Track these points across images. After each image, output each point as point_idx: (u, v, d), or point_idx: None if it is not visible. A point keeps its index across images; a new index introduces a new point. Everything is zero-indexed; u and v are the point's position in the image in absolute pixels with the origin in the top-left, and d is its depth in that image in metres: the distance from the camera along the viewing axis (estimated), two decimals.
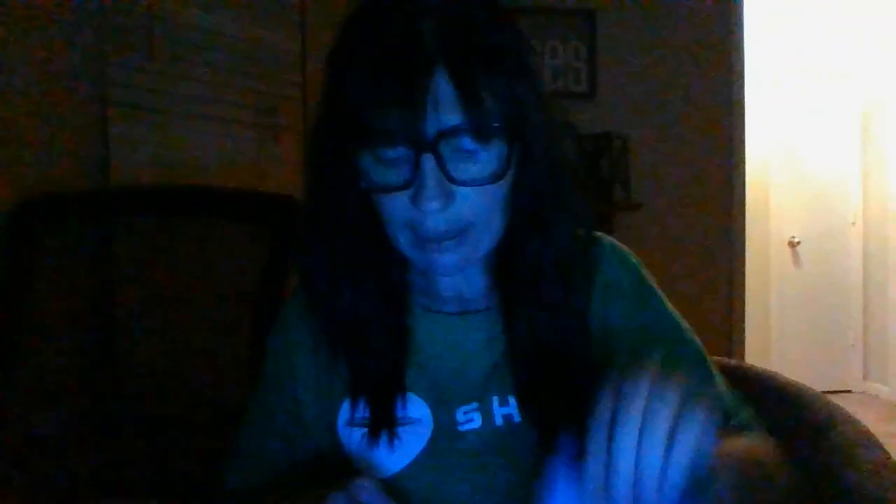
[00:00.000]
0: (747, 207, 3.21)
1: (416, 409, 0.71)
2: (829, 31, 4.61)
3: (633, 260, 0.77)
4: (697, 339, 0.75)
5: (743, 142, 3.16)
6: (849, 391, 4.70)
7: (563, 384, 0.69)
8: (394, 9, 0.63)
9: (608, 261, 0.75)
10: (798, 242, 4.74)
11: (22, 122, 1.64)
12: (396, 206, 0.64)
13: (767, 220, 4.69)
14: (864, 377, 4.74)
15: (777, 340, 4.75)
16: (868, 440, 0.83)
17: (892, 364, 4.49)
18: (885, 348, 4.54)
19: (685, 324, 0.76)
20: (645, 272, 0.77)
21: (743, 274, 3.18)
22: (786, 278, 4.77)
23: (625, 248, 0.78)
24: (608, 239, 0.78)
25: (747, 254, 3.21)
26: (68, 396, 1.49)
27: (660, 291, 0.77)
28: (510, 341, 0.71)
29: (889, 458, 0.81)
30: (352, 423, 0.72)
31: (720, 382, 0.74)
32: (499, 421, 0.70)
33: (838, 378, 4.67)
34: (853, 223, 4.71)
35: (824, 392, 0.94)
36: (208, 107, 2.12)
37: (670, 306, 0.76)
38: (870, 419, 0.93)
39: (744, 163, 3.17)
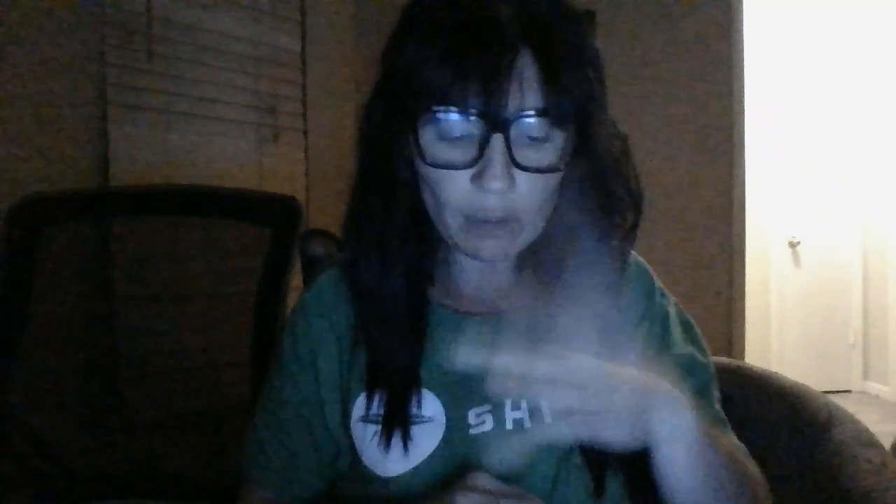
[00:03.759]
0: (747, 207, 3.21)
1: (430, 406, 0.71)
2: (829, 29, 4.61)
3: (658, 284, 0.79)
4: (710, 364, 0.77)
5: (743, 142, 3.15)
6: (849, 391, 4.70)
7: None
8: None
9: (633, 279, 0.76)
10: (798, 242, 4.74)
11: (22, 122, 1.64)
12: (454, 186, 0.63)
13: (767, 220, 4.69)
14: (864, 377, 4.74)
15: (777, 340, 4.75)
16: (868, 440, 0.84)
17: (892, 364, 4.49)
18: (885, 348, 4.54)
19: (701, 357, 0.76)
20: (671, 300, 0.79)
21: (743, 274, 3.17)
22: (786, 278, 4.77)
23: (647, 266, 0.79)
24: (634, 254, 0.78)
25: (747, 254, 3.21)
26: (68, 396, 1.49)
27: (684, 328, 0.78)
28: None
29: (889, 458, 0.81)
30: (366, 419, 0.72)
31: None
32: (510, 425, 0.70)
33: (838, 378, 4.67)
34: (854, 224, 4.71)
35: (824, 392, 0.94)
36: (208, 107, 2.12)
37: (688, 344, 0.77)
38: (870, 419, 0.93)
39: (744, 163, 3.17)
